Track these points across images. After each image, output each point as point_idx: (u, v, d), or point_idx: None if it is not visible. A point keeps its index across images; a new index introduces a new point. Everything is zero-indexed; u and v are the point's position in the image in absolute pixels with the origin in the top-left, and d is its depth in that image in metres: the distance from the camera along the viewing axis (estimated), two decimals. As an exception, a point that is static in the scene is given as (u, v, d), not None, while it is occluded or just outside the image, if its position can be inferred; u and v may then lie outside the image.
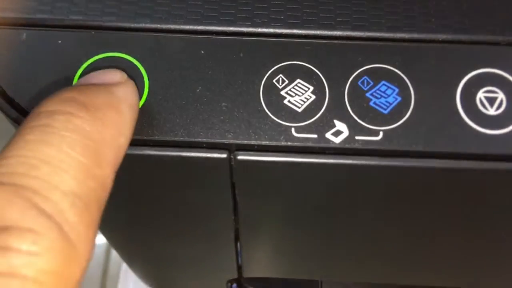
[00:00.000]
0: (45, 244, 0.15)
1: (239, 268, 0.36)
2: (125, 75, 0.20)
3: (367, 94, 0.21)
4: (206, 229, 0.29)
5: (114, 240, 0.35)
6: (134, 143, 0.20)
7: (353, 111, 0.21)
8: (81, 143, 0.17)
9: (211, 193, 0.24)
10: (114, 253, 0.61)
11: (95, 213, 0.17)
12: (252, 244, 0.31)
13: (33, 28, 0.21)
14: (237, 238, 0.30)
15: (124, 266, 0.56)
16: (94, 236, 0.17)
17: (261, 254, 0.33)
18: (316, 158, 0.20)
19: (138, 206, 0.26)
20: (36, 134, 0.16)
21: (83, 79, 0.20)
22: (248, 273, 0.37)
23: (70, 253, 0.15)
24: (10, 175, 0.15)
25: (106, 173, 0.17)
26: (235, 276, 0.38)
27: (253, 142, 0.20)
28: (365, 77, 0.21)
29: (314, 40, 0.22)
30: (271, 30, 0.22)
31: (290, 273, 0.39)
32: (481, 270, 0.31)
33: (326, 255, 0.33)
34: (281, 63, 0.21)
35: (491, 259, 0.29)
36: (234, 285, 0.45)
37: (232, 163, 0.21)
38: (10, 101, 0.20)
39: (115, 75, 0.20)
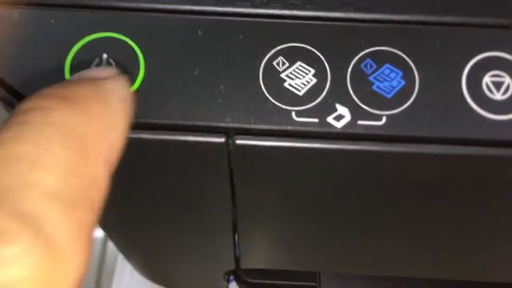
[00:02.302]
0: (19, 247, 0.13)
1: (237, 259, 0.35)
2: (115, 70, 0.19)
3: (370, 78, 0.20)
4: (203, 219, 0.28)
5: (110, 230, 0.34)
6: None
7: (355, 95, 0.20)
8: (61, 137, 0.15)
9: (208, 180, 0.23)
10: (111, 245, 0.60)
11: (86, 214, 0.15)
12: (250, 235, 0.30)
13: (25, 7, 0.21)
14: (235, 229, 0.29)
15: (121, 257, 0.56)
16: (87, 238, 0.15)
17: (259, 245, 0.33)
18: (317, 143, 0.20)
19: (133, 193, 0.26)
20: (10, 131, 0.15)
21: (70, 78, 0.19)
22: (245, 264, 0.37)
23: (53, 256, 0.13)
24: None
25: (97, 171, 0.16)
26: (233, 267, 0.37)
27: (252, 126, 0.20)
28: (368, 60, 0.20)
29: (315, 22, 0.21)
30: (272, 11, 0.21)
31: (288, 264, 0.38)
32: (483, 262, 0.31)
33: (324, 247, 0.33)
34: (281, 45, 0.21)
35: (494, 249, 0.28)
36: (231, 277, 0.44)
37: (230, 148, 0.20)
38: (1, 82, 0.20)
39: (104, 71, 0.18)
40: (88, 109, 0.16)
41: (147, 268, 0.43)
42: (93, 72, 0.19)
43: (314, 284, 0.43)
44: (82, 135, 0.15)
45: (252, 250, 0.34)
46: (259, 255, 0.35)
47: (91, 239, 0.15)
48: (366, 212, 0.25)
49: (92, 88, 0.17)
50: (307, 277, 0.43)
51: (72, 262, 0.14)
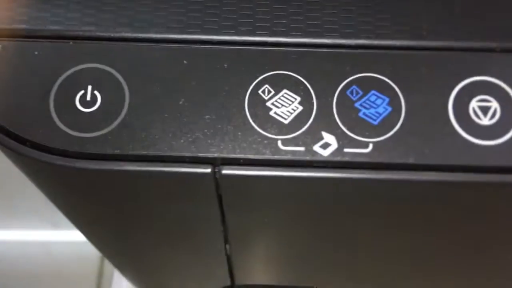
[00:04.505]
0: None
1: (232, 275, 0.35)
2: None
3: (356, 105, 0.20)
4: (195, 239, 0.28)
5: (106, 252, 0.34)
6: (115, 158, 0.20)
7: (341, 122, 0.20)
8: None
9: (198, 206, 0.23)
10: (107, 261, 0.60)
11: None
12: (243, 253, 0.30)
13: (9, 39, 0.21)
14: (227, 247, 0.29)
15: (117, 272, 0.56)
16: None
17: (252, 262, 0.32)
18: (304, 171, 0.20)
19: (126, 219, 0.26)
20: None
21: None
22: (240, 280, 0.37)
23: None
24: None
25: None
26: (228, 283, 0.37)
27: (238, 156, 0.20)
28: (354, 86, 0.20)
29: (301, 49, 0.21)
30: (256, 39, 0.21)
31: (283, 280, 0.38)
32: (474, 279, 0.31)
33: (316, 264, 0.33)
34: (266, 73, 0.20)
35: (483, 268, 0.28)
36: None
37: (217, 177, 0.20)
38: (-15, 115, 0.20)
39: None
40: None
41: (142, 285, 0.43)
42: None
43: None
44: None
45: (246, 266, 0.34)
46: (253, 272, 0.35)
47: None
48: (354, 235, 0.25)
49: None
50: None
51: None
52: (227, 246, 0.29)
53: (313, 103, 0.20)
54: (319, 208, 0.22)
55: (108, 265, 0.65)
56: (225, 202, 0.22)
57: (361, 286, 0.38)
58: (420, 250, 0.26)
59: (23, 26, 0.21)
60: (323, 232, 0.26)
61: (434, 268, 0.29)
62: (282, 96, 0.20)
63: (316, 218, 0.24)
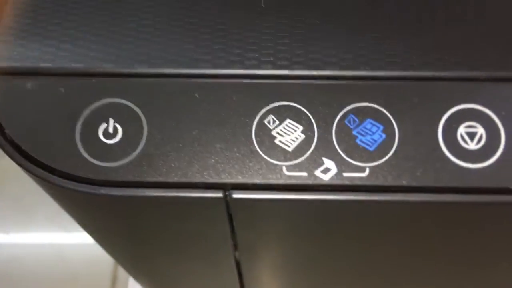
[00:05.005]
0: None
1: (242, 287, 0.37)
2: None
3: (354, 132, 0.22)
4: (207, 256, 0.30)
5: (122, 263, 0.36)
6: (136, 185, 0.22)
7: (340, 149, 0.22)
8: None
9: (211, 225, 0.25)
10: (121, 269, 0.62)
11: None
12: (253, 269, 0.32)
13: (37, 77, 0.23)
14: (238, 263, 0.31)
15: (131, 280, 0.58)
16: None
17: (262, 277, 0.34)
18: (307, 195, 0.22)
19: (144, 239, 0.28)
20: None
21: None
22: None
23: None
24: None
25: None
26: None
27: (247, 181, 0.22)
28: (351, 115, 0.22)
29: (302, 81, 0.23)
30: (262, 72, 0.23)
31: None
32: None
33: (325, 279, 0.34)
34: (271, 104, 0.22)
35: (474, 281, 0.30)
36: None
37: (228, 200, 0.22)
38: (18, 148, 0.22)
39: None
40: None
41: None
42: None
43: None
44: None
45: (257, 280, 0.35)
46: (264, 285, 0.37)
47: None
48: (358, 253, 0.27)
49: None
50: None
51: None
52: (238, 262, 0.31)
53: (314, 131, 0.22)
54: (322, 227, 0.24)
55: (122, 270, 0.66)
56: (236, 223, 0.24)
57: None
58: (415, 266, 0.28)
59: (49, 64, 0.23)
60: (327, 249, 0.27)
61: (427, 281, 0.30)
62: (286, 125, 0.22)
63: (320, 236, 0.26)
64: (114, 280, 0.68)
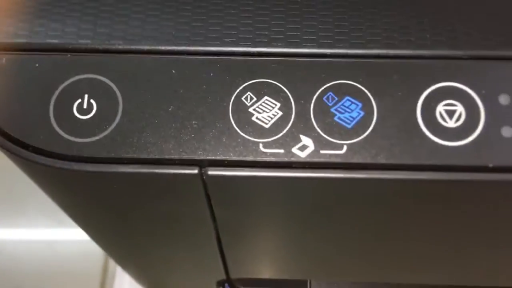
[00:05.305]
0: None
1: (226, 269, 0.37)
2: None
3: (332, 109, 0.22)
4: (188, 236, 0.30)
5: (107, 249, 0.36)
6: (110, 161, 0.21)
7: (318, 126, 0.22)
8: None
9: (188, 204, 0.25)
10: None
11: None
12: (235, 248, 0.32)
13: (12, 52, 0.22)
14: (220, 243, 0.31)
15: (119, 269, 0.58)
16: None
17: (245, 256, 0.34)
18: (283, 172, 0.21)
19: (122, 218, 0.27)
20: None
21: None
22: (235, 274, 0.38)
23: None
24: None
25: None
26: (223, 277, 0.39)
27: (223, 158, 0.21)
28: (330, 93, 0.22)
29: (281, 58, 0.23)
30: (240, 49, 0.23)
31: (277, 273, 0.40)
32: (449, 268, 0.32)
33: (310, 256, 0.34)
34: (249, 81, 0.22)
35: (457, 259, 0.30)
36: (226, 285, 0.46)
37: (204, 178, 0.22)
38: (-9, 124, 0.21)
39: None
40: None
41: (143, 278, 0.45)
42: None
43: (305, 291, 0.45)
44: None
45: (240, 261, 0.35)
46: (247, 265, 0.37)
47: None
48: (336, 228, 0.26)
49: None
50: (298, 284, 0.45)
51: None
52: (220, 241, 0.30)
53: (292, 108, 0.22)
54: (301, 205, 0.24)
55: (113, 263, 0.66)
56: (214, 201, 0.24)
57: (355, 278, 0.40)
58: (396, 246, 0.28)
59: (24, 40, 0.23)
60: (307, 227, 0.27)
61: (411, 255, 0.30)
62: (264, 102, 0.22)
63: (298, 215, 0.25)
64: (104, 270, 0.68)
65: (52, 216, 0.68)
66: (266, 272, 0.39)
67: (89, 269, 0.67)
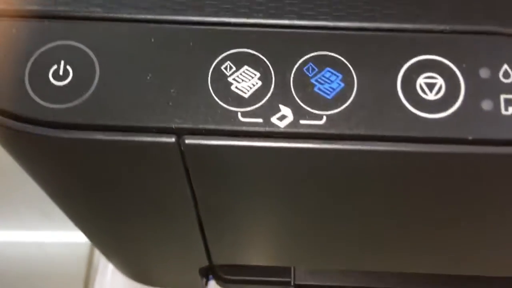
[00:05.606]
0: None
1: (208, 255, 0.37)
2: None
3: (312, 80, 0.22)
4: (168, 217, 0.30)
5: (90, 235, 0.35)
6: (85, 128, 0.21)
7: (298, 96, 0.21)
8: None
9: (168, 181, 0.25)
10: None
11: None
12: (217, 231, 0.32)
13: (-12, 17, 0.22)
14: (201, 225, 0.31)
15: (103, 259, 0.57)
16: None
17: (227, 240, 0.34)
18: (262, 141, 0.21)
19: (98, 195, 0.27)
20: None
21: None
22: (217, 260, 0.38)
23: None
24: None
25: None
26: (206, 263, 0.38)
27: (200, 127, 0.21)
28: (310, 63, 0.22)
29: (262, 29, 0.22)
30: (220, 19, 0.22)
31: (260, 260, 0.39)
32: (448, 255, 0.32)
33: (293, 242, 0.34)
34: (229, 50, 0.22)
35: (447, 241, 0.30)
36: (210, 276, 0.46)
37: (182, 147, 0.22)
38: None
39: None
40: None
41: (125, 267, 0.44)
42: None
43: (289, 279, 0.44)
44: None
45: (222, 246, 0.35)
46: (230, 250, 0.37)
47: None
48: (318, 208, 0.26)
49: None
50: (282, 272, 0.44)
51: None
52: (201, 223, 0.30)
53: (271, 78, 0.22)
54: (280, 180, 0.24)
55: (97, 258, 0.66)
56: (192, 173, 0.24)
57: (339, 266, 0.40)
58: (377, 227, 0.28)
59: (1, 6, 0.22)
60: (289, 207, 0.27)
61: (394, 240, 0.30)
62: (243, 72, 0.22)
63: (279, 192, 0.25)
64: (89, 264, 0.67)
65: (38, 217, 0.68)
66: (249, 258, 0.39)
67: (74, 270, 0.67)
